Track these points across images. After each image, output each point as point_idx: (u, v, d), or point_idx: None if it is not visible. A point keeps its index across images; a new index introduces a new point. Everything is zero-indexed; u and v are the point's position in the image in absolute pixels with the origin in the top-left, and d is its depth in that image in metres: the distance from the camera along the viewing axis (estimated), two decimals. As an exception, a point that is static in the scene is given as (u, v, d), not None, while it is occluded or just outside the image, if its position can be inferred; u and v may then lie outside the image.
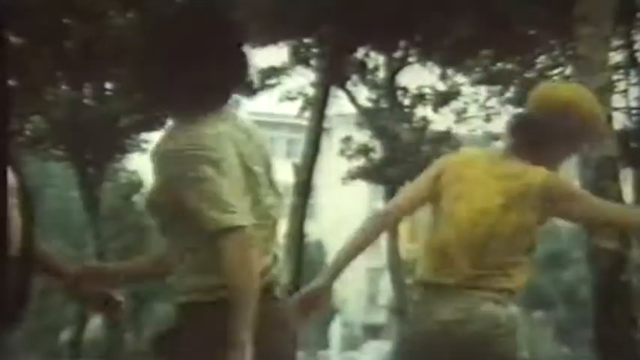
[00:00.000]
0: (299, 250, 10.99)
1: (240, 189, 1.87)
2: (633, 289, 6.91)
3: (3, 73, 1.48)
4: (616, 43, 9.81)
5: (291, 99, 13.67)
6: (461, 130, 14.53)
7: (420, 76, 14.18)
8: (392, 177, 14.16)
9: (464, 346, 2.32)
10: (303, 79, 13.15)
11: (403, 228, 20.63)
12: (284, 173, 12.76)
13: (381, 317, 35.35)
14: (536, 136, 2.44)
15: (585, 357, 7.53)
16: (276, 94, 13.61)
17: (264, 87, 12.64)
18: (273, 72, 12.65)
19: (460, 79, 13.53)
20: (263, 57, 11.55)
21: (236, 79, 2.08)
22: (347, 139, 14.82)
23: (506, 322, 2.36)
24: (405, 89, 14.31)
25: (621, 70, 10.90)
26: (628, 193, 9.72)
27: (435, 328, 2.34)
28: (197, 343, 1.86)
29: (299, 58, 12.41)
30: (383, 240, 19.90)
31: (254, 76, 2.23)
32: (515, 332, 2.40)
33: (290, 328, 1.97)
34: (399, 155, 13.98)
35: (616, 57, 10.27)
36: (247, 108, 13.53)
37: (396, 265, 14.57)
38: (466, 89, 13.69)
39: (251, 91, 2.36)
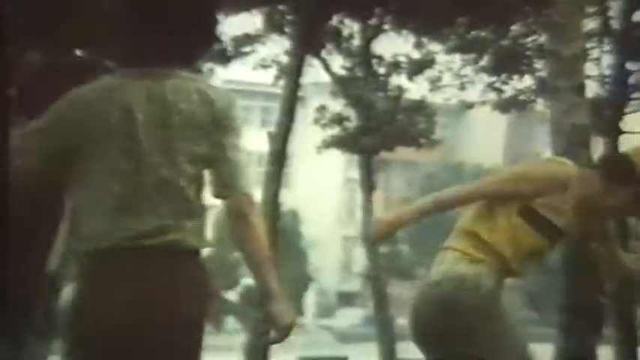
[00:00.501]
0: (274, 218, 10.99)
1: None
2: (600, 255, 7.01)
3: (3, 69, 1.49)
4: (590, 10, 9.84)
5: (266, 67, 13.58)
6: (436, 98, 14.56)
7: (395, 44, 14.14)
8: (367, 146, 14.17)
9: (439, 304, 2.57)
10: (278, 47, 13.07)
11: (378, 197, 20.73)
12: (259, 142, 12.76)
13: (355, 285, 35.55)
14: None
15: (553, 322, 7.64)
16: (250, 62, 13.52)
17: (238, 55, 12.54)
18: (247, 39, 12.55)
19: (435, 47, 13.51)
20: (237, 24, 11.45)
21: (203, 43, 2.09)
22: (322, 108, 14.78)
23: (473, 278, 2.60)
24: (380, 57, 14.27)
25: (595, 38, 10.93)
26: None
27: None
28: None
29: (273, 25, 12.32)
30: (357, 209, 19.99)
31: (227, 43, 2.23)
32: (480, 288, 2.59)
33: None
34: (374, 124, 13.99)
35: (590, 24, 10.31)
36: (221, 76, 13.44)
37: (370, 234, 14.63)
38: (441, 57, 13.70)
39: (225, 58, 2.36)
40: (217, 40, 2.13)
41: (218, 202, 2.01)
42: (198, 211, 2.01)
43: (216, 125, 2.00)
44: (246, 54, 12.84)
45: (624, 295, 10.57)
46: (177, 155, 1.96)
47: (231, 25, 11.08)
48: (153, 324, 1.88)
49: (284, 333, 2.02)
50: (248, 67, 13.70)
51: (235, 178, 2.01)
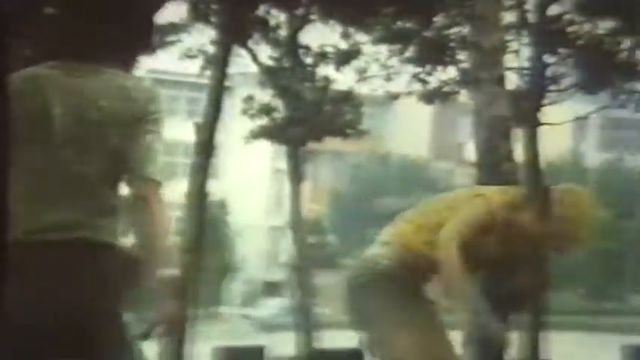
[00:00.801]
0: (201, 208, 10.92)
1: None
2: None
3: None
4: (509, 2, 10.07)
5: (192, 57, 13.45)
6: (362, 89, 14.66)
7: (322, 35, 14.18)
8: (294, 136, 14.19)
9: None
10: (204, 37, 12.95)
11: (306, 188, 20.79)
12: (185, 132, 12.64)
13: (281, 275, 35.59)
14: None
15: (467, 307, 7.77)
16: (175, 52, 13.36)
17: (163, 44, 12.39)
18: (172, 29, 12.41)
19: (361, 37, 13.60)
20: (161, 13, 11.29)
21: (136, 42, 2.09)
22: (249, 99, 14.72)
23: None
24: (307, 48, 14.28)
25: (513, 31, 11.18)
26: (519, 152, 10.07)
27: None
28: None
29: (198, 14, 12.20)
30: (285, 199, 20.01)
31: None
32: None
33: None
34: (302, 115, 14.01)
35: (508, 17, 10.54)
36: (146, 66, 13.25)
37: (298, 224, 14.68)
38: (367, 48, 13.79)
39: (150, 48, 2.35)
40: (149, 41, 2.12)
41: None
42: (111, 208, 2.00)
43: (136, 121, 2.01)
44: (171, 43, 12.70)
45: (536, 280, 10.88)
46: (91, 152, 1.95)
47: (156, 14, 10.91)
48: (58, 317, 1.86)
49: (168, 326, 2.02)
50: (174, 57, 13.55)
51: (144, 165, 2.01)
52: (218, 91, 11.24)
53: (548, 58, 11.52)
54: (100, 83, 1.99)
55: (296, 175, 14.69)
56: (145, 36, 2.11)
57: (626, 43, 11.58)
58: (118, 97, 2.00)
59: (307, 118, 14.01)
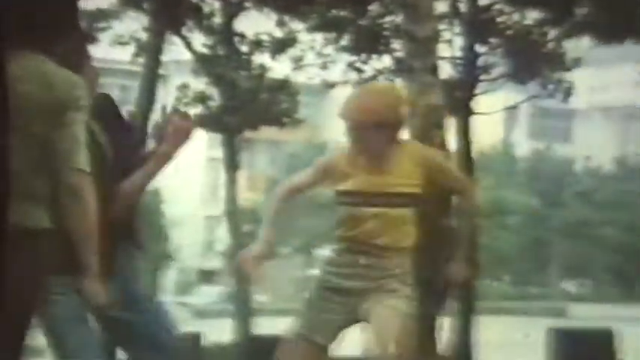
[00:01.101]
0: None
1: None
2: (453, 232, 7.34)
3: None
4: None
5: (123, 44, 13.23)
6: (299, 77, 14.66)
7: (257, 23, 14.11)
8: (230, 125, 14.11)
9: None
10: (135, 24, 12.75)
11: (242, 177, 20.73)
12: (118, 120, 12.43)
13: (216, 263, 35.46)
14: None
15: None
16: (106, 39, 13.12)
17: (92, 31, 12.15)
18: (102, 15, 12.19)
19: (297, 26, 13.58)
20: (91, -1, 11.09)
21: (57, 20, 2.06)
22: (183, 87, 14.57)
23: None
24: (242, 35, 14.19)
25: (446, 20, 11.32)
26: (452, 140, 10.23)
27: None
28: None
29: (129, 1, 12.01)
30: (221, 188, 19.94)
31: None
32: None
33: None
34: (237, 103, 13.93)
35: (441, 7, 10.67)
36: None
37: (234, 213, 14.64)
38: (303, 37, 13.78)
39: (78, 33, 2.31)
40: (72, 25, 2.11)
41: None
42: (40, 196, 1.99)
43: (57, 107, 2.00)
44: (101, 30, 12.46)
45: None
46: (15, 139, 1.93)
47: (85, 1, 10.74)
48: None
49: (98, 311, 2.06)
50: (104, 44, 13.30)
51: (71, 154, 2.02)
52: (151, 79, 11.10)
53: (479, 48, 11.70)
54: (19, 69, 1.96)
55: (232, 164, 14.63)
56: (65, 19, 2.08)
57: (553, 33, 11.84)
58: (38, 83, 1.99)
59: (243, 107, 13.94)
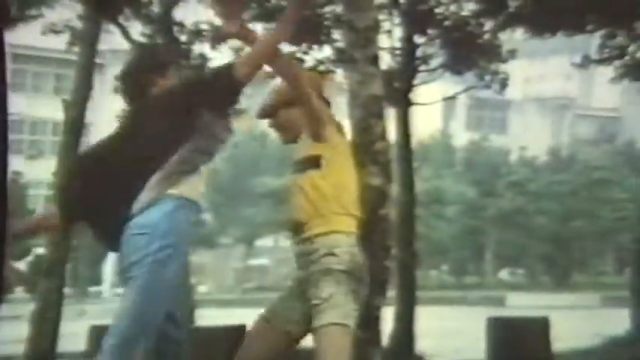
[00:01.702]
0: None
1: None
2: (390, 221, 7.41)
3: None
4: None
5: (57, 32, 12.94)
6: (239, 68, 14.56)
7: (196, 12, 13.96)
8: (168, 114, 13.97)
9: None
10: (69, 12, 12.47)
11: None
12: (53, 110, 12.19)
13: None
14: None
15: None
16: (38, 27, 12.80)
17: (23, 18, 11.85)
18: (33, 2, 11.88)
19: (237, 16, 13.48)
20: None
21: None
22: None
23: None
24: (181, 25, 14.03)
25: (385, 10, 11.38)
26: (392, 130, 10.32)
27: None
28: None
29: (62, -13, 11.75)
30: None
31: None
32: None
33: None
34: (176, 92, 13.79)
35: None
36: (7, 40, 12.64)
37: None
38: (243, 27, 13.68)
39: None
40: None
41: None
42: None
43: None
44: (33, 17, 12.15)
45: (407, 259, 11.26)
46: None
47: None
48: None
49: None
50: (37, 32, 12.97)
51: None
52: (87, 69, 10.91)
53: (418, 39, 11.80)
54: None
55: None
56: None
57: (489, 25, 12.02)
58: None
59: (182, 97, 13.81)
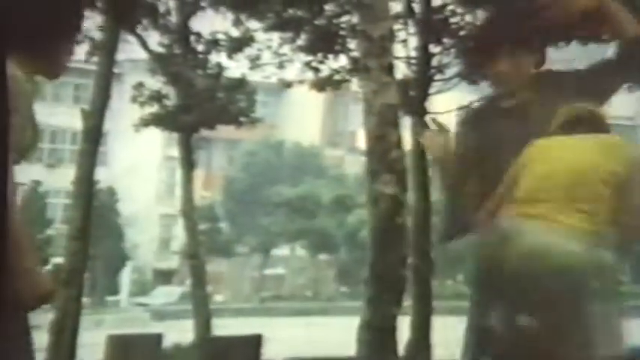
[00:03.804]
0: (88, 196, 10.74)
1: None
2: (406, 230, 7.43)
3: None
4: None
5: (77, 42, 13.08)
6: (255, 77, 14.67)
7: (213, 22, 14.08)
8: (186, 124, 14.07)
9: None
10: (90, 22, 12.63)
11: (199, 175, 20.65)
12: (72, 119, 12.32)
13: (173, 263, 35.21)
14: None
15: (361, 295, 7.97)
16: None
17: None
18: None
19: (254, 25, 13.59)
20: None
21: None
22: (139, 85, 14.49)
23: None
24: (198, 35, 14.16)
25: (401, 20, 11.42)
26: (408, 139, 10.34)
27: None
28: None
29: (84, -2, 11.89)
30: (177, 187, 19.85)
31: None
32: None
33: None
34: (194, 102, 13.90)
35: (396, 7, 10.77)
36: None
37: (190, 212, 14.59)
38: (260, 36, 13.79)
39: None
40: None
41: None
42: None
43: None
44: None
45: (423, 268, 11.25)
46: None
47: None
48: None
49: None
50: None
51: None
52: (106, 78, 11.02)
53: (433, 48, 11.83)
54: None
55: (188, 163, 14.58)
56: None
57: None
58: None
59: (199, 106, 13.91)
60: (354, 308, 8.95)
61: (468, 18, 11.93)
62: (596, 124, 2.92)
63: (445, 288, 39.43)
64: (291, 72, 13.87)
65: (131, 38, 13.01)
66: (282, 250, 41.11)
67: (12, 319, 2.06)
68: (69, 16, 2.14)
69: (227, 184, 39.40)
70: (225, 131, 17.48)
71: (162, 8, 13.38)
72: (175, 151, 15.68)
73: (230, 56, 14.23)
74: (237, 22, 13.60)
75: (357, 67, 10.43)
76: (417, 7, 11.68)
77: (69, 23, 2.16)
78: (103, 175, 12.99)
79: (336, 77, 13.24)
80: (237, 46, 13.99)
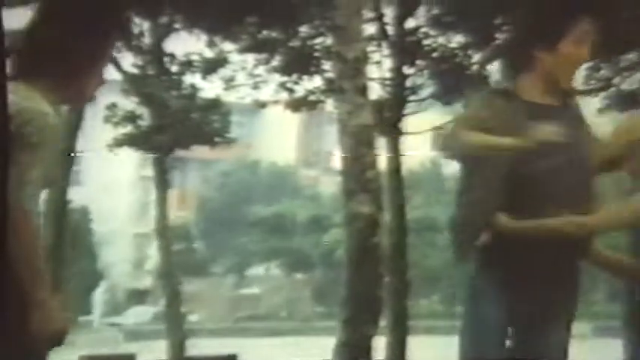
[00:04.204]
0: (61, 215, 10.69)
1: None
2: (382, 249, 7.46)
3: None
4: (369, 15, 10.41)
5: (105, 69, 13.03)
6: (230, 97, 14.70)
7: (187, 43, 14.10)
8: (160, 144, 14.04)
9: None
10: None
11: (173, 195, 20.55)
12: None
13: (146, 282, 34.94)
14: None
15: (337, 315, 7.97)
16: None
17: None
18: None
19: (228, 46, 13.63)
20: (13, 19, 10.90)
21: None
22: (112, 106, 14.44)
23: None
24: (172, 56, 14.17)
25: (374, 42, 11.53)
26: (383, 160, 10.39)
27: None
28: None
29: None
30: (152, 206, 19.73)
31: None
32: None
33: None
34: (168, 122, 13.88)
35: (370, 29, 10.87)
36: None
37: (164, 231, 14.52)
38: (234, 57, 13.83)
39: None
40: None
41: None
42: None
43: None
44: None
45: (399, 288, 11.27)
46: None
47: (8, 20, 10.53)
48: None
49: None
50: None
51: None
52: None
53: (407, 70, 11.95)
54: None
55: (162, 182, 14.54)
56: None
57: (476, 57, 12.19)
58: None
59: (173, 126, 13.89)
60: (330, 328, 8.95)
61: (441, 40, 12.09)
62: None
63: (421, 308, 39.45)
64: (266, 92, 13.92)
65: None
66: (257, 270, 40.96)
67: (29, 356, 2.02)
68: (98, 42, 2.14)
69: (202, 204, 39.25)
70: (200, 151, 17.46)
71: (135, 29, 13.37)
72: (150, 171, 15.63)
73: (204, 77, 14.24)
74: (211, 44, 13.63)
75: (331, 88, 10.50)
76: (390, 29, 11.80)
77: (99, 50, 2.15)
78: (77, 195, 12.88)
79: (311, 98, 13.30)
80: (211, 67, 14.01)
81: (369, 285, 7.14)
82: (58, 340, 2.05)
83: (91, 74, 2.26)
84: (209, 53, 13.89)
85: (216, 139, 14.87)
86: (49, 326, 2.02)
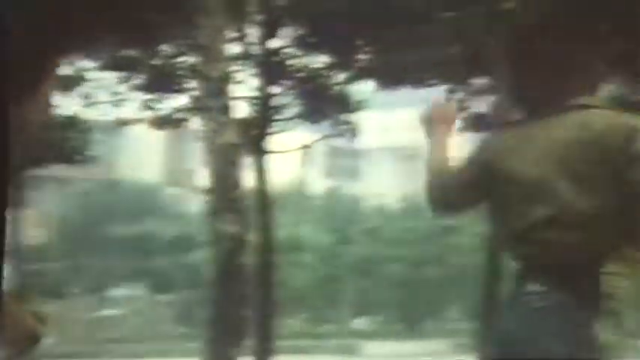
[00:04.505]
0: None
1: None
2: (248, 269, 7.43)
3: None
4: (233, 35, 10.42)
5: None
6: (90, 114, 14.28)
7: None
8: (15, 162, 13.45)
9: None
10: None
11: (29, 214, 19.71)
12: None
13: None
14: None
15: (201, 335, 7.86)
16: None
17: None
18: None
19: (86, 64, 13.26)
20: None
21: None
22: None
23: None
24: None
25: (239, 62, 11.55)
26: (248, 178, 10.36)
27: None
28: None
29: None
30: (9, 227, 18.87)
31: None
32: None
33: None
34: (23, 139, 13.32)
35: (235, 48, 10.88)
36: None
37: (17, 251, 13.90)
38: (93, 74, 13.47)
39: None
40: None
41: None
42: None
43: None
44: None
45: (265, 307, 11.26)
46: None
47: None
48: None
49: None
50: None
51: None
52: None
53: (272, 89, 12.02)
54: None
55: (17, 201, 13.92)
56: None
57: (339, 77, 12.44)
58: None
59: (28, 144, 13.34)
60: (194, 349, 8.80)
61: (305, 61, 12.25)
62: None
63: (287, 327, 39.53)
64: (129, 110, 13.63)
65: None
66: (119, 291, 39.87)
67: None
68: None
69: (59, 224, 37.87)
70: (57, 170, 16.86)
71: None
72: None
73: (62, 94, 13.77)
74: (67, 62, 13.18)
75: (196, 106, 10.41)
76: (255, 48, 11.85)
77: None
78: None
79: (176, 116, 13.13)
80: (67, 84, 13.57)
81: (235, 305, 7.08)
82: (33, 343, 1.90)
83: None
84: (66, 71, 13.46)
85: (76, 157, 14.40)
86: (24, 332, 1.87)
